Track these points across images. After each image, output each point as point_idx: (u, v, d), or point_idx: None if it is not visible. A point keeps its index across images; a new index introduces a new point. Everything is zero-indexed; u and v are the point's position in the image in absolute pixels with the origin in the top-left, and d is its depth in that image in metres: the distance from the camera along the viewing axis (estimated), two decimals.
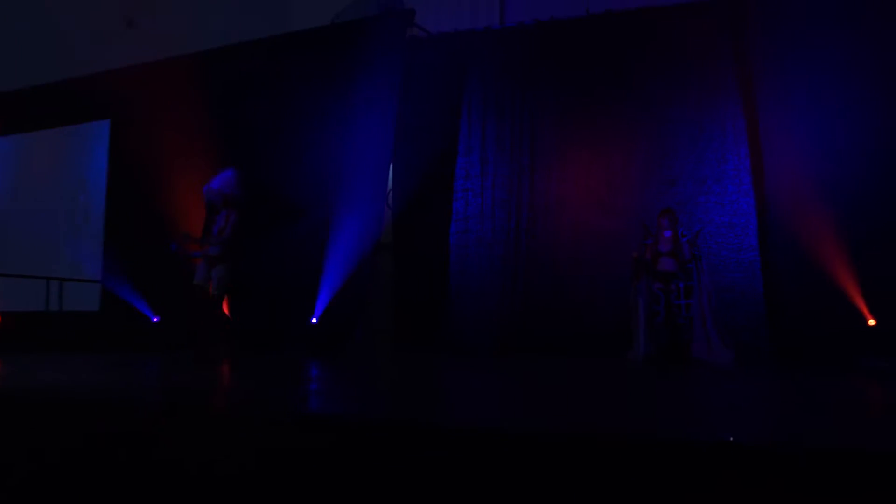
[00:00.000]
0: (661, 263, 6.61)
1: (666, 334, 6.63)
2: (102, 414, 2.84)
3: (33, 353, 7.86)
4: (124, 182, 9.37)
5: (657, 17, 7.50)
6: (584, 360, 7.00)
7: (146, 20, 10.29)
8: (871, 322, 6.39)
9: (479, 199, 8.20)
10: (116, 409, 2.92)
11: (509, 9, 8.70)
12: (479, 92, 8.33)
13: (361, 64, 8.18)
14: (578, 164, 7.83)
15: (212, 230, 6.72)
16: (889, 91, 6.51)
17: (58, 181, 10.05)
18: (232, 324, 6.88)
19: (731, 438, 2.04)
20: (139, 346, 8.38)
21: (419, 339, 8.19)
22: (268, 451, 2.34)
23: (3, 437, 2.82)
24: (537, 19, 8.03)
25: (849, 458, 1.75)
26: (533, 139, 8.06)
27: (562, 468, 1.91)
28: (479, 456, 2.00)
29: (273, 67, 8.75)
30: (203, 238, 6.80)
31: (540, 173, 8.00)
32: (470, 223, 8.21)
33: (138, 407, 3.03)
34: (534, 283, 7.88)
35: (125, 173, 9.37)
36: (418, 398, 3.29)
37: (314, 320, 8.02)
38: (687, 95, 7.42)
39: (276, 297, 8.26)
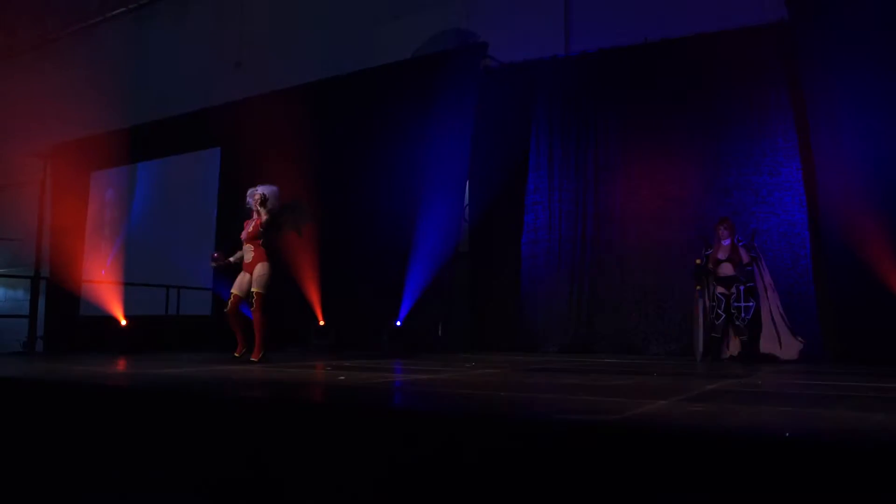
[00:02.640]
0: (721, 269, 6.98)
1: (726, 335, 7.04)
2: (208, 402, 3.02)
3: (154, 351, 8.89)
4: (232, 201, 10.48)
5: (711, 42, 7.92)
6: (645, 358, 7.48)
7: (251, 60, 11.49)
8: None
9: (547, 211, 8.91)
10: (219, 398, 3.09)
11: (574, 38, 9.28)
12: (546, 114, 9.08)
13: (440, 91, 9.01)
14: (639, 178, 8.38)
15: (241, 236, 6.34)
16: None
17: (193, 199, 11.28)
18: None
19: (788, 434, 2.02)
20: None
21: (494, 339, 8.95)
22: (358, 442, 2.34)
23: (131, 424, 2.98)
24: (600, 48, 8.68)
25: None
26: (597, 156, 8.71)
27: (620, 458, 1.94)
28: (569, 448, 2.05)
29: (362, 97, 9.67)
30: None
31: (603, 187, 8.62)
32: (539, 234, 8.91)
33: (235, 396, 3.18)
34: (598, 287, 8.48)
35: (233, 194, 10.47)
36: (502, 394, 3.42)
37: (398, 323, 8.83)
38: (741, 114, 7.88)
39: (364, 300, 9.14)
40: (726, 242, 7.01)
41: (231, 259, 6.28)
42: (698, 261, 7.22)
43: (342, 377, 4.32)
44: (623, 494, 1.92)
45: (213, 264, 6.44)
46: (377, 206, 9.30)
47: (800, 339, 6.92)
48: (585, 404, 2.74)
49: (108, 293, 11.20)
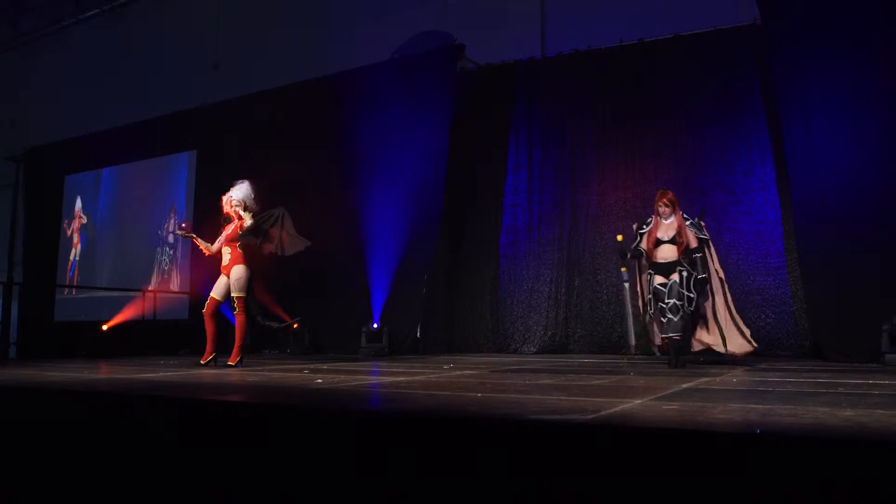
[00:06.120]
0: (660, 253, 5.53)
1: (669, 327, 5.42)
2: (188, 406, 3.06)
3: (132, 356, 8.80)
4: (208, 205, 10.40)
5: (685, 43, 8.10)
6: (622, 358, 7.54)
7: (229, 61, 11.42)
8: None
9: (526, 213, 8.95)
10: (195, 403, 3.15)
11: (550, 40, 9.35)
12: (524, 115, 9.12)
13: (418, 93, 9.04)
14: (616, 179, 8.46)
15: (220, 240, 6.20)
16: None
17: (169, 203, 11.14)
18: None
19: (759, 431, 2.02)
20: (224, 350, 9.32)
21: (472, 340, 8.98)
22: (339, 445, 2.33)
23: (110, 426, 2.99)
24: (576, 49, 8.75)
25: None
26: (574, 156, 8.77)
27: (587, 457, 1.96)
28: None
29: (339, 99, 9.62)
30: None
31: (581, 187, 8.68)
32: (519, 235, 8.95)
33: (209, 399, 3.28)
34: (576, 288, 8.53)
35: (209, 197, 10.41)
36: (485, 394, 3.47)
37: (376, 325, 8.82)
38: (715, 114, 7.98)
39: (341, 302, 9.11)
40: (668, 220, 5.58)
41: (199, 240, 6.19)
42: (620, 237, 6.23)
43: (319, 380, 4.30)
44: (597, 494, 1.93)
45: (179, 232, 6.40)
46: (355, 208, 9.27)
47: (751, 341, 5.66)
48: (560, 404, 2.76)
49: (83, 298, 11.05)
